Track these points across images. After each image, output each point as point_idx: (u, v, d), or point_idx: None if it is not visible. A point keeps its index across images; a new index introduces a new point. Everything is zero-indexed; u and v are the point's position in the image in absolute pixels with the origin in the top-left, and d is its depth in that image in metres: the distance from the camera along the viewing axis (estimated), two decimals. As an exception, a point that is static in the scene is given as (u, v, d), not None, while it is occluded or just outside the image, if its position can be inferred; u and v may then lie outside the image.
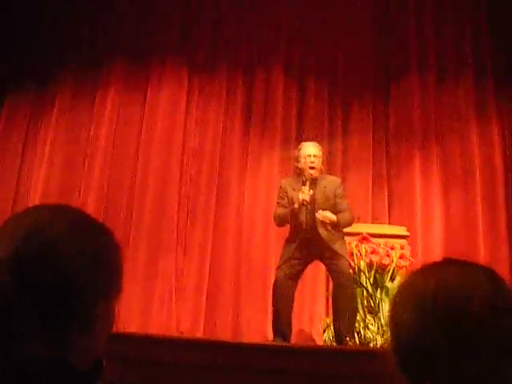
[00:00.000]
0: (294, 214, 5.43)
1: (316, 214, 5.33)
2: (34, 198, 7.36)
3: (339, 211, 5.46)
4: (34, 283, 1.06)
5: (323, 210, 5.39)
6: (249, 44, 7.94)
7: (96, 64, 7.84)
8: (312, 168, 5.51)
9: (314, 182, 5.47)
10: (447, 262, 1.24)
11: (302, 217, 5.42)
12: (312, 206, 5.40)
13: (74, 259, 1.10)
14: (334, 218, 5.34)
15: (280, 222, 5.66)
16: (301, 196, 5.36)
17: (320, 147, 5.73)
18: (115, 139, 7.63)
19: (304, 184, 5.42)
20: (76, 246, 1.12)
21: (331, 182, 5.66)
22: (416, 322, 1.13)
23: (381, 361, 1.22)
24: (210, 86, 7.82)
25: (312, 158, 5.54)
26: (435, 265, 1.24)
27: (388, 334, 1.23)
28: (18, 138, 7.74)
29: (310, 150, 5.60)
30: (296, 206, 5.39)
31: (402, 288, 1.23)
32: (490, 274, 1.20)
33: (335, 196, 5.52)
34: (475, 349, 1.09)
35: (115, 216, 7.23)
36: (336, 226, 5.38)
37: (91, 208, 7.12)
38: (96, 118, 7.68)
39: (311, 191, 5.39)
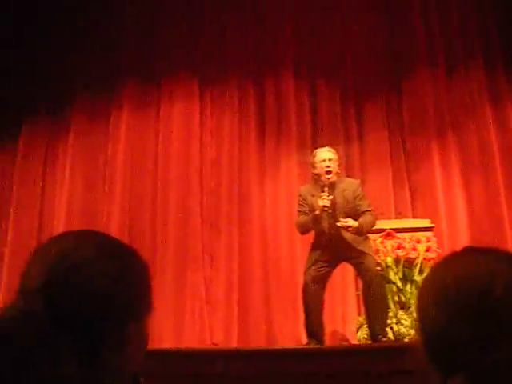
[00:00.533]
0: (317, 220, 5.44)
1: (338, 224, 5.33)
2: (59, 223, 7.42)
3: (361, 213, 5.45)
4: (63, 309, 1.07)
5: (344, 213, 5.40)
6: (257, 52, 7.95)
7: (108, 85, 7.91)
8: (329, 172, 5.51)
9: (332, 186, 5.47)
10: (467, 251, 1.23)
11: (325, 222, 5.44)
12: (333, 210, 5.41)
13: (99, 282, 1.12)
14: (355, 224, 5.30)
15: (303, 229, 5.67)
16: (321, 202, 5.36)
17: (334, 151, 5.74)
18: (133, 157, 7.68)
19: (323, 190, 5.42)
20: (101, 269, 1.13)
21: (350, 184, 5.67)
22: (441, 313, 1.13)
23: (412, 356, 1.23)
24: (221, 97, 7.85)
25: (327, 163, 5.54)
26: (455, 255, 1.23)
27: (416, 328, 1.23)
28: (37, 164, 7.80)
29: (325, 155, 5.61)
30: (317, 212, 5.39)
31: (426, 281, 1.24)
32: (510, 258, 1.19)
33: (355, 198, 5.51)
34: (503, 333, 1.08)
35: (140, 233, 7.28)
36: (360, 232, 5.37)
37: (115, 227, 7.19)
38: (112, 139, 7.74)
39: (331, 196, 5.39)
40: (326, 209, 5.36)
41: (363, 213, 5.46)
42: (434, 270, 1.25)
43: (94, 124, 7.84)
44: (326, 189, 5.41)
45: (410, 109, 7.70)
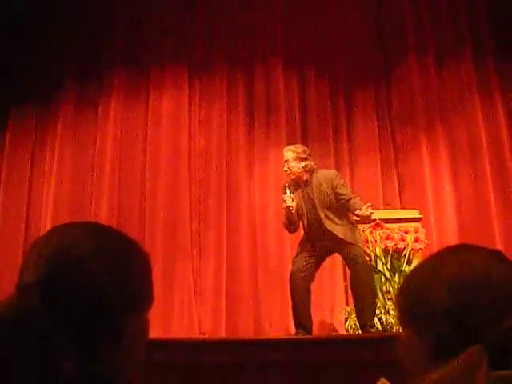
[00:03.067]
0: (292, 220, 5.54)
1: (358, 213, 5.27)
2: (46, 215, 7.38)
3: (346, 201, 5.43)
4: (60, 304, 1.07)
5: (324, 206, 5.45)
6: (246, 40, 7.93)
7: (96, 75, 7.85)
8: (288, 174, 5.60)
9: (305, 184, 5.54)
10: (462, 247, 1.29)
11: (305, 217, 5.51)
12: (312, 204, 5.47)
13: (97, 276, 1.11)
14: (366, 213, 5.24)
15: (287, 229, 5.76)
16: (284, 204, 5.48)
17: (294, 148, 5.69)
18: (121, 149, 7.64)
19: (284, 191, 5.51)
20: (99, 263, 1.12)
21: (326, 177, 5.60)
22: (453, 296, 1.18)
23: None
24: (210, 86, 7.83)
25: (285, 164, 5.62)
26: (453, 249, 1.29)
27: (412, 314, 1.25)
28: (24, 155, 7.72)
29: (284, 156, 5.67)
30: (284, 215, 5.56)
31: (427, 269, 1.27)
32: (502, 257, 1.26)
33: (334, 188, 5.49)
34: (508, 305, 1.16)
35: (128, 225, 7.24)
36: (368, 217, 5.34)
37: (103, 217, 7.15)
38: (100, 129, 7.69)
39: (291, 196, 5.47)
40: (290, 209, 5.44)
41: (348, 200, 5.43)
42: (432, 265, 1.27)
43: (82, 113, 7.78)
44: (286, 190, 5.50)
45: (398, 99, 7.74)
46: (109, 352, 1.11)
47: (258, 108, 7.75)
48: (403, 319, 1.28)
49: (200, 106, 7.82)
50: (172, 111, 7.73)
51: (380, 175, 7.54)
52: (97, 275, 1.11)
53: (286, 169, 5.59)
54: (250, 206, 7.48)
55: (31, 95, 7.86)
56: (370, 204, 5.28)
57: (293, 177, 5.56)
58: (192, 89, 7.85)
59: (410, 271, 1.34)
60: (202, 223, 7.46)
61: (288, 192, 5.48)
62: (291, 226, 5.62)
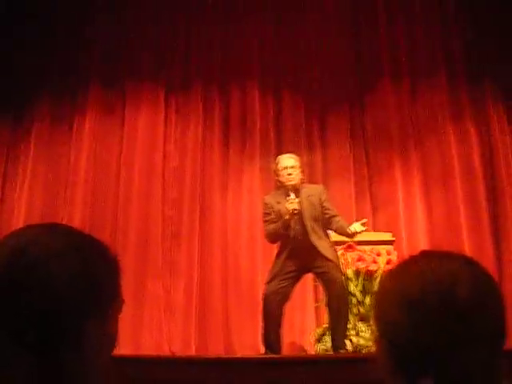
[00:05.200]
0: (287, 225, 5.40)
1: (351, 229, 5.30)
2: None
3: (330, 217, 5.47)
4: (14, 307, 1.04)
5: (312, 218, 5.41)
6: (222, 60, 7.95)
7: (72, 90, 7.82)
8: (290, 179, 5.53)
9: (297, 192, 5.47)
10: (426, 255, 1.25)
11: (292, 227, 5.41)
12: (300, 215, 5.40)
13: (57, 277, 1.07)
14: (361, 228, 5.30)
15: (274, 237, 5.61)
16: (290, 206, 5.34)
17: (297, 157, 5.75)
18: (95, 165, 7.59)
19: (288, 194, 5.42)
20: (59, 265, 1.08)
21: (314, 190, 5.69)
22: (405, 319, 1.13)
23: (373, 365, 1.22)
24: (186, 105, 7.83)
25: (289, 170, 5.55)
26: (414, 259, 1.24)
27: (377, 336, 1.23)
28: (-4, 168, 7.66)
29: (287, 162, 5.62)
30: (287, 217, 5.36)
31: (385, 287, 1.25)
32: (467, 259, 1.23)
33: (322, 202, 5.52)
34: (469, 334, 1.10)
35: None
36: (353, 235, 5.36)
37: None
38: (75, 145, 7.63)
39: (297, 199, 5.39)
40: (295, 211, 5.34)
41: (333, 217, 5.46)
42: (392, 275, 1.25)
43: (56, 129, 7.72)
44: (291, 193, 5.42)
45: (372, 122, 7.78)
46: (69, 358, 1.06)
47: (233, 128, 7.77)
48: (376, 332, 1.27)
49: (176, 124, 7.81)
50: (147, 129, 7.71)
51: (353, 197, 7.57)
52: (56, 277, 1.06)
53: (291, 176, 5.52)
54: (222, 224, 7.46)
55: (4, 110, 7.78)
56: (365, 220, 5.36)
57: (293, 182, 5.52)
58: (168, 107, 7.84)
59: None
60: (174, 241, 7.42)
61: (293, 195, 5.41)
62: (282, 234, 5.45)
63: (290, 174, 5.53)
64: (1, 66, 7.71)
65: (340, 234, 5.47)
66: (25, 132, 7.75)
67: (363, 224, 5.30)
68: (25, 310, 1.03)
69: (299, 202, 5.38)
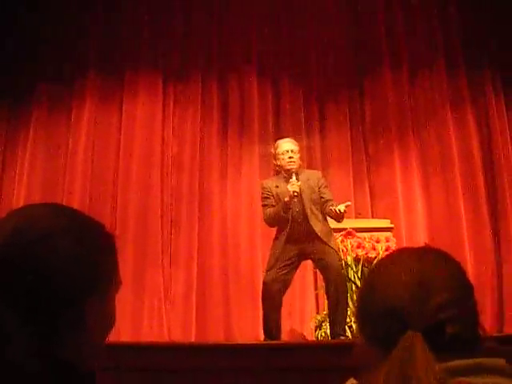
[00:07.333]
0: (287, 208, 5.38)
1: (332, 209, 5.28)
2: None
3: (325, 201, 5.46)
4: (16, 284, 1.05)
5: (311, 201, 5.43)
6: (221, 48, 7.95)
7: (70, 78, 7.79)
8: (291, 163, 5.54)
9: (296, 176, 5.46)
10: (404, 251, 1.31)
11: (292, 210, 5.40)
12: (300, 198, 5.40)
13: (55, 257, 1.09)
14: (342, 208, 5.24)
15: (273, 221, 5.57)
16: (291, 188, 5.34)
17: (296, 142, 5.77)
18: (94, 153, 7.58)
19: (290, 177, 5.42)
20: (58, 243, 1.10)
21: (313, 175, 5.71)
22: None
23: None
24: (184, 93, 7.82)
25: (290, 154, 5.56)
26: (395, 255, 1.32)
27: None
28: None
29: (287, 146, 5.63)
30: (287, 199, 5.35)
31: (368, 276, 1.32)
32: (444, 256, 1.27)
33: (319, 187, 5.53)
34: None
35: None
36: (341, 217, 5.34)
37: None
38: (73, 132, 7.62)
39: (299, 182, 5.40)
40: (296, 194, 5.33)
41: (327, 201, 5.45)
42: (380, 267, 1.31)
43: (54, 116, 7.71)
44: (293, 175, 5.41)
45: (371, 109, 7.79)
46: (70, 334, 1.08)
47: (231, 115, 7.76)
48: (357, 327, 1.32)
49: (174, 112, 7.80)
50: (146, 116, 7.69)
51: (352, 185, 7.57)
52: (55, 255, 1.09)
53: (292, 159, 5.53)
54: (221, 212, 7.46)
55: (3, 97, 7.76)
56: (349, 203, 5.38)
57: (295, 166, 5.52)
58: (166, 94, 7.82)
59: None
60: (173, 229, 7.42)
61: (295, 178, 5.40)
62: (282, 217, 5.42)
63: (291, 158, 5.54)
64: (1, 51, 7.69)
65: (330, 216, 5.45)
66: (23, 120, 7.73)
67: (346, 206, 5.28)
68: (24, 286, 1.05)
69: (300, 185, 5.39)
